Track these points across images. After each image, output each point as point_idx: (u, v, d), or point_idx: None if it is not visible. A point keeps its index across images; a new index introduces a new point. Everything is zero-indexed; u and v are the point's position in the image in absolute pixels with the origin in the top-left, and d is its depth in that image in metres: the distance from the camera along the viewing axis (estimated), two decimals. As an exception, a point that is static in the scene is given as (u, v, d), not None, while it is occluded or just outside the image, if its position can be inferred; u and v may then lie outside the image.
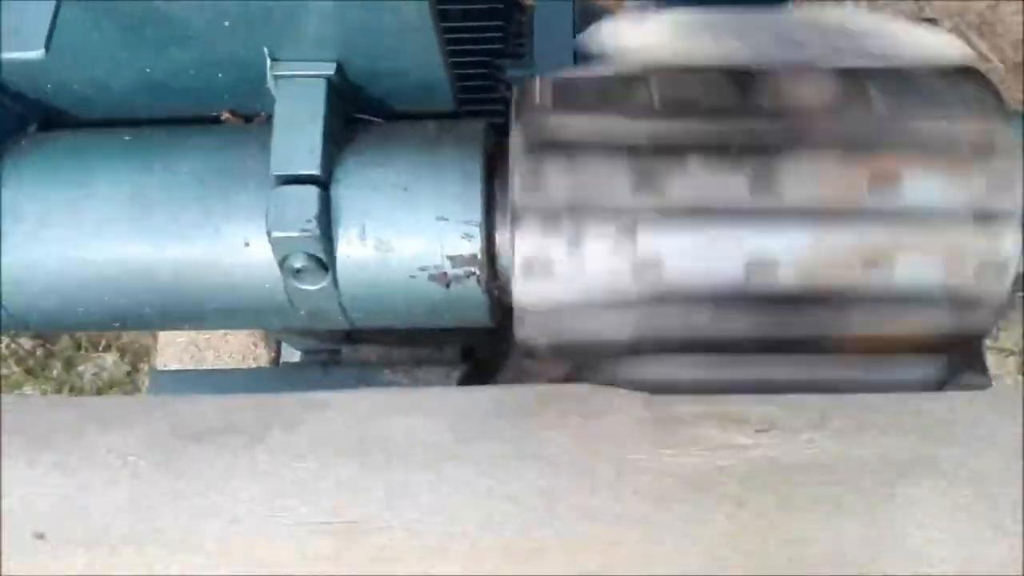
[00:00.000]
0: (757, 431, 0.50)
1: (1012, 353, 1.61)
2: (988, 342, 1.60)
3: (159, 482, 0.48)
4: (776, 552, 0.46)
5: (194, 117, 0.70)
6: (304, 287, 0.64)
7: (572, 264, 0.60)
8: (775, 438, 0.50)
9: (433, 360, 1.07)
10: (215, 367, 1.42)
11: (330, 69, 0.64)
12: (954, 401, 0.55)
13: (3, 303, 0.66)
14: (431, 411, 0.53)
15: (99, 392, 1.74)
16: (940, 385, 0.66)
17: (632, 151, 0.60)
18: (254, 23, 0.61)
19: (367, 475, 0.49)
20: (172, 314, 0.68)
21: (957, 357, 0.66)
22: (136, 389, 1.74)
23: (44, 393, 1.74)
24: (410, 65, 0.65)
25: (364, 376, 1.07)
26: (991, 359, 1.58)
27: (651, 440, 0.49)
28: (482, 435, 0.51)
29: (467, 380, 0.99)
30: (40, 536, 0.45)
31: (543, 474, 0.49)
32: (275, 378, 1.14)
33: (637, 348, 0.63)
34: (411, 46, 0.62)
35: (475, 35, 0.88)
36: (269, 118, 0.69)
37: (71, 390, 1.74)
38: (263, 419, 0.52)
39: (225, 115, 0.70)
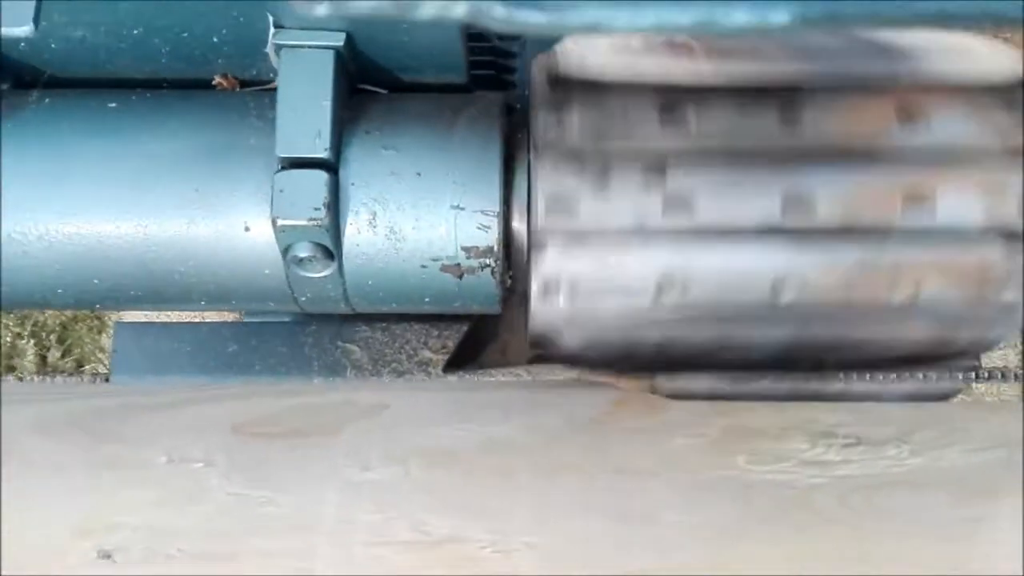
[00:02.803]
0: (845, 445, 0.51)
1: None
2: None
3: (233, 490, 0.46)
4: (875, 569, 0.47)
5: (183, 79, 0.65)
6: (307, 275, 0.60)
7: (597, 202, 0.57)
8: (863, 454, 0.50)
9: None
10: (183, 321, 1.36)
11: (339, 40, 0.58)
12: None
13: None
14: (502, 417, 0.51)
15: (63, 327, 1.68)
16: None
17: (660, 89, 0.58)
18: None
19: (448, 484, 0.48)
20: (160, 297, 0.64)
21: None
22: (102, 324, 1.68)
23: (6, 327, 1.68)
24: (425, 32, 0.60)
25: (341, 332, 1.04)
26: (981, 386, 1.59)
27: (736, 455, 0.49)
28: (561, 444, 0.51)
29: (460, 350, 0.96)
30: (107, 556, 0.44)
31: (625, 488, 0.49)
32: (249, 333, 1.09)
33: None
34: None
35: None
36: (267, 84, 0.64)
37: (34, 324, 1.68)
38: (331, 421, 0.51)
39: (217, 79, 0.65)
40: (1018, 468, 0.51)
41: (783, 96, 0.57)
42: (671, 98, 0.58)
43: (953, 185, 0.57)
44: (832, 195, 0.56)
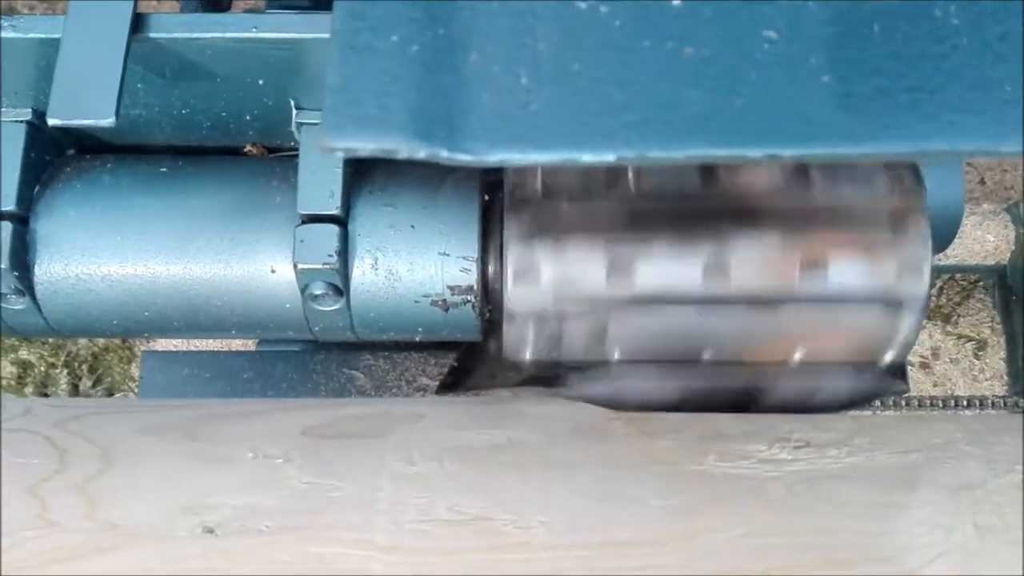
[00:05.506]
0: (795, 447, 0.63)
1: (970, 340, 1.71)
2: (949, 328, 1.72)
3: (306, 479, 0.60)
4: (812, 541, 0.59)
5: (220, 147, 0.79)
6: (321, 308, 0.73)
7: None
8: (810, 454, 0.63)
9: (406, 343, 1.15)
10: (203, 349, 1.50)
11: (348, 118, 0.72)
12: (954, 423, 0.67)
13: (44, 315, 0.75)
14: (515, 425, 0.65)
15: (95, 357, 1.82)
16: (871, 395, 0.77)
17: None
18: (283, 82, 0.69)
19: (478, 475, 0.61)
20: (199, 327, 0.77)
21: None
22: (131, 354, 1.81)
23: (40, 357, 1.81)
24: None
25: (347, 360, 1.16)
26: (951, 344, 1.71)
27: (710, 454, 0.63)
28: (565, 444, 0.64)
29: (452, 372, 1.08)
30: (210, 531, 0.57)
31: (617, 478, 0.62)
32: (262, 361, 1.21)
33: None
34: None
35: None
36: (289, 150, 0.78)
37: (67, 355, 1.81)
38: (380, 427, 0.64)
39: (248, 148, 0.79)
40: (931, 467, 0.63)
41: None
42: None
43: (843, 251, 0.65)
44: (742, 266, 0.66)
